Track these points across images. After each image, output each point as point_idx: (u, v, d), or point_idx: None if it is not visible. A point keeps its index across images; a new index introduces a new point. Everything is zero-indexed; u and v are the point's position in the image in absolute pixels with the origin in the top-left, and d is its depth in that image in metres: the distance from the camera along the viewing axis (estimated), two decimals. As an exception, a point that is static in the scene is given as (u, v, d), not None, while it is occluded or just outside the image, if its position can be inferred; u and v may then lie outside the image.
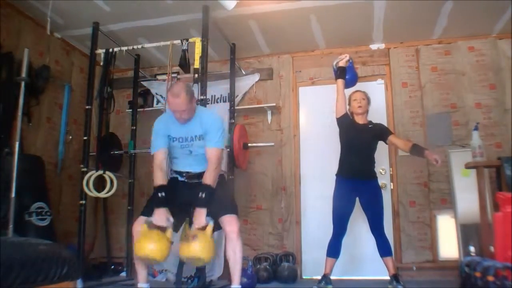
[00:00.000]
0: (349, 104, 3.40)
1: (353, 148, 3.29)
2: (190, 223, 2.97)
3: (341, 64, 3.34)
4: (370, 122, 3.39)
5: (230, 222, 2.58)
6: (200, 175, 2.65)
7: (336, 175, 3.33)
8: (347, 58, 3.35)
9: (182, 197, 2.68)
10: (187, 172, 2.73)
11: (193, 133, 2.67)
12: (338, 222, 3.22)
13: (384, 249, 3.19)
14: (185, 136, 2.69)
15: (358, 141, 3.28)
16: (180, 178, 2.76)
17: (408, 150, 3.24)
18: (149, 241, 2.41)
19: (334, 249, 3.22)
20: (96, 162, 3.71)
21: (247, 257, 3.88)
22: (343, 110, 3.31)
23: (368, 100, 3.37)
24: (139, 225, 2.58)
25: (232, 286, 2.61)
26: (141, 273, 2.64)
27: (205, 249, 2.43)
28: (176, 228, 2.70)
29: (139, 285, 2.64)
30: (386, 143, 3.37)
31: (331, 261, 3.23)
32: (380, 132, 3.35)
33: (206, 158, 2.64)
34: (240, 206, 4.30)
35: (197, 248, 2.41)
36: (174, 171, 2.81)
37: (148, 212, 2.61)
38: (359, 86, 3.55)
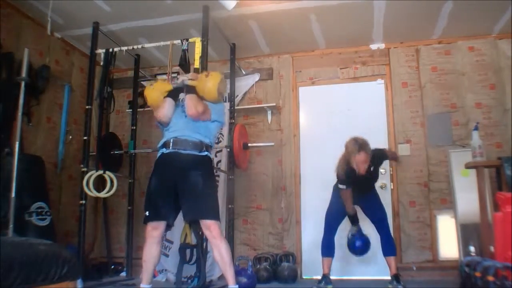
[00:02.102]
0: (350, 157, 3.11)
1: (355, 185, 3.21)
2: (190, 225, 2.97)
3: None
4: (371, 160, 3.14)
5: (209, 228, 2.57)
6: (184, 141, 2.65)
7: (334, 186, 3.34)
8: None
9: (171, 181, 2.63)
10: (175, 138, 2.68)
11: None
12: (329, 223, 3.31)
13: (387, 248, 3.23)
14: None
15: (361, 182, 3.20)
16: (165, 151, 2.69)
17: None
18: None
19: (328, 248, 3.27)
20: (96, 162, 3.70)
21: (247, 257, 3.88)
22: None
23: (370, 155, 3.10)
24: (152, 228, 2.62)
25: (229, 287, 2.61)
26: (147, 274, 2.64)
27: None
28: (175, 219, 2.72)
29: (141, 285, 2.64)
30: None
31: (327, 261, 3.25)
32: (378, 163, 3.33)
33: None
34: (240, 206, 4.34)
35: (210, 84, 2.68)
36: (161, 146, 2.74)
37: (152, 217, 2.62)
38: (359, 86, 3.54)
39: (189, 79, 2.76)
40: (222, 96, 2.82)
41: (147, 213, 2.64)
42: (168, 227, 2.74)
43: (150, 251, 2.63)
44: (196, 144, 2.67)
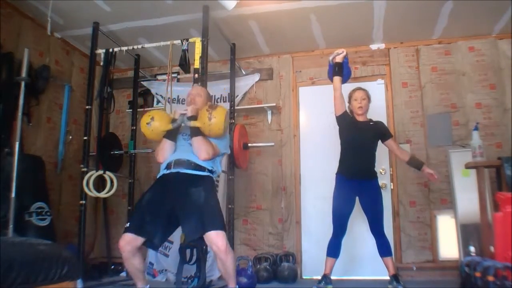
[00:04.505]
0: (349, 102, 3.38)
1: (353, 146, 3.28)
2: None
3: (338, 60, 3.26)
4: (371, 120, 3.39)
5: (216, 240, 2.39)
6: (186, 162, 2.59)
7: (336, 174, 3.32)
8: (344, 53, 3.27)
9: (168, 202, 2.53)
10: (177, 159, 2.62)
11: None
12: (338, 222, 3.21)
13: (384, 249, 3.19)
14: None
15: (359, 140, 3.27)
16: (166, 172, 2.62)
17: (405, 161, 3.32)
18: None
19: (334, 249, 3.22)
20: (96, 162, 3.70)
21: (247, 257, 3.89)
22: (342, 108, 3.28)
23: (368, 99, 3.36)
24: (125, 242, 2.44)
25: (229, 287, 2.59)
26: (139, 279, 2.58)
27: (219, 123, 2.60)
28: (162, 241, 2.61)
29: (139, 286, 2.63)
30: (383, 143, 3.37)
31: (331, 261, 3.22)
32: (380, 131, 3.36)
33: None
34: (240, 206, 4.34)
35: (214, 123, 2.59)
36: (164, 167, 2.68)
37: (131, 229, 2.46)
38: (359, 85, 3.54)
39: (188, 117, 2.64)
40: (227, 130, 2.77)
41: (128, 224, 2.51)
42: (152, 247, 2.60)
43: (131, 263, 2.50)
44: (198, 165, 2.61)
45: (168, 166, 2.64)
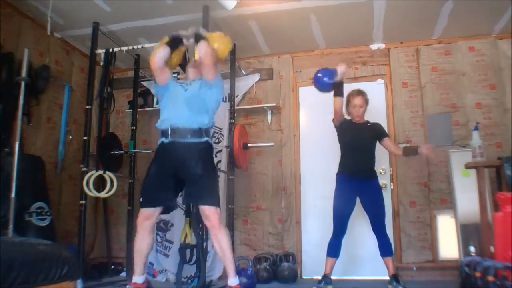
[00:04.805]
0: (347, 105, 3.36)
1: (353, 147, 3.29)
2: (190, 224, 2.97)
3: (340, 78, 3.17)
4: (368, 122, 3.40)
5: (209, 216, 2.57)
6: (182, 130, 2.63)
7: (337, 174, 3.33)
8: (345, 70, 3.20)
9: (171, 168, 2.64)
10: (172, 128, 2.65)
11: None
12: (338, 222, 3.22)
13: (385, 249, 3.20)
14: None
15: (358, 140, 3.28)
16: (165, 141, 2.68)
17: (401, 154, 3.35)
18: None
19: (334, 249, 3.22)
20: (96, 162, 3.70)
21: (247, 257, 3.89)
22: (341, 120, 3.32)
23: (366, 104, 3.34)
24: (144, 217, 2.61)
25: (229, 283, 2.59)
26: (140, 265, 2.63)
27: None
28: (170, 208, 2.77)
29: (134, 278, 2.62)
30: (380, 143, 3.38)
31: (331, 261, 3.23)
32: (377, 132, 3.37)
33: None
34: (240, 206, 4.34)
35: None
36: (161, 134, 2.74)
37: (147, 202, 2.63)
38: (359, 86, 3.54)
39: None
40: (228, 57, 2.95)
41: (141, 198, 2.66)
42: (169, 209, 2.76)
43: (143, 242, 2.62)
44: (195, 131, 2.66)
45: (165, 134, 2.69)
